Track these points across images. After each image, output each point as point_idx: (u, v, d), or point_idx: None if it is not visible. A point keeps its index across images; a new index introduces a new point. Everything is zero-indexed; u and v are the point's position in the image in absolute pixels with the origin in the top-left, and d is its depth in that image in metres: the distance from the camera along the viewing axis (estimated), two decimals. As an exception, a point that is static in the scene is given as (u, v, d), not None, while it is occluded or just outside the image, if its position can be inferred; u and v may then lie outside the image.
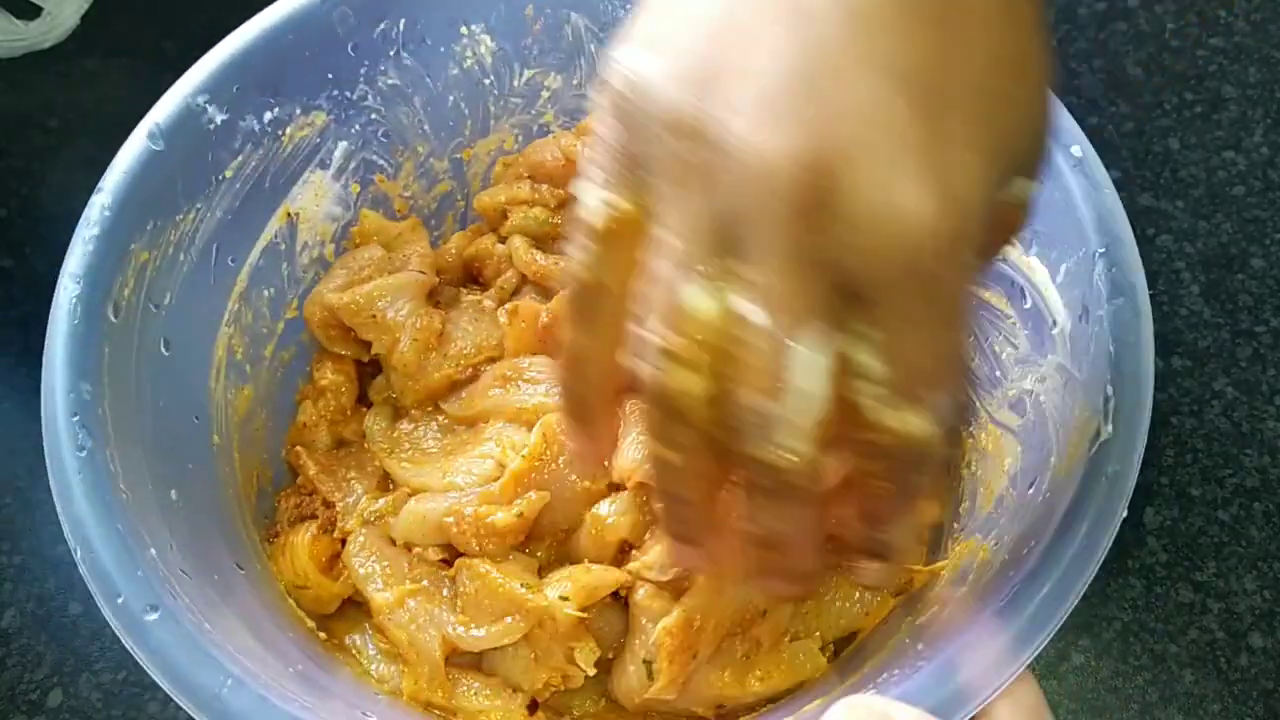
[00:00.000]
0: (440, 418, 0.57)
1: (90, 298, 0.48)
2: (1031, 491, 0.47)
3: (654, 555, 0.49)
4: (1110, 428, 0.43)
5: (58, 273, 0.49)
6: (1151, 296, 0.69)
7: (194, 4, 0.84)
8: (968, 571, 0.47)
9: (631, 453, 0.49)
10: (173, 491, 0.48)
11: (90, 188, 0.51)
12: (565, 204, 0.59)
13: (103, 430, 0.46)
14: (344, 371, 0.59)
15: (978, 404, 0.55)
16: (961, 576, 0.47)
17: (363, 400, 0.60)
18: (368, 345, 0.57)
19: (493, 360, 0.56)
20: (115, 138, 0.52)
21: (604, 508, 0.50)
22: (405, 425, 0.57)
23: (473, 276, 0.61)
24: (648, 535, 0.50)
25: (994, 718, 0.39)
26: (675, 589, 0.49)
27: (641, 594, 0.49)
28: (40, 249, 0.72)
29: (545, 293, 0.58)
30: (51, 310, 0.48)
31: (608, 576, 0.49)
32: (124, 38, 0.84)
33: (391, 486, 0.55)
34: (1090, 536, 0.41)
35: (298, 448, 0.57)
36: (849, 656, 0.51)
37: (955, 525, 0.53)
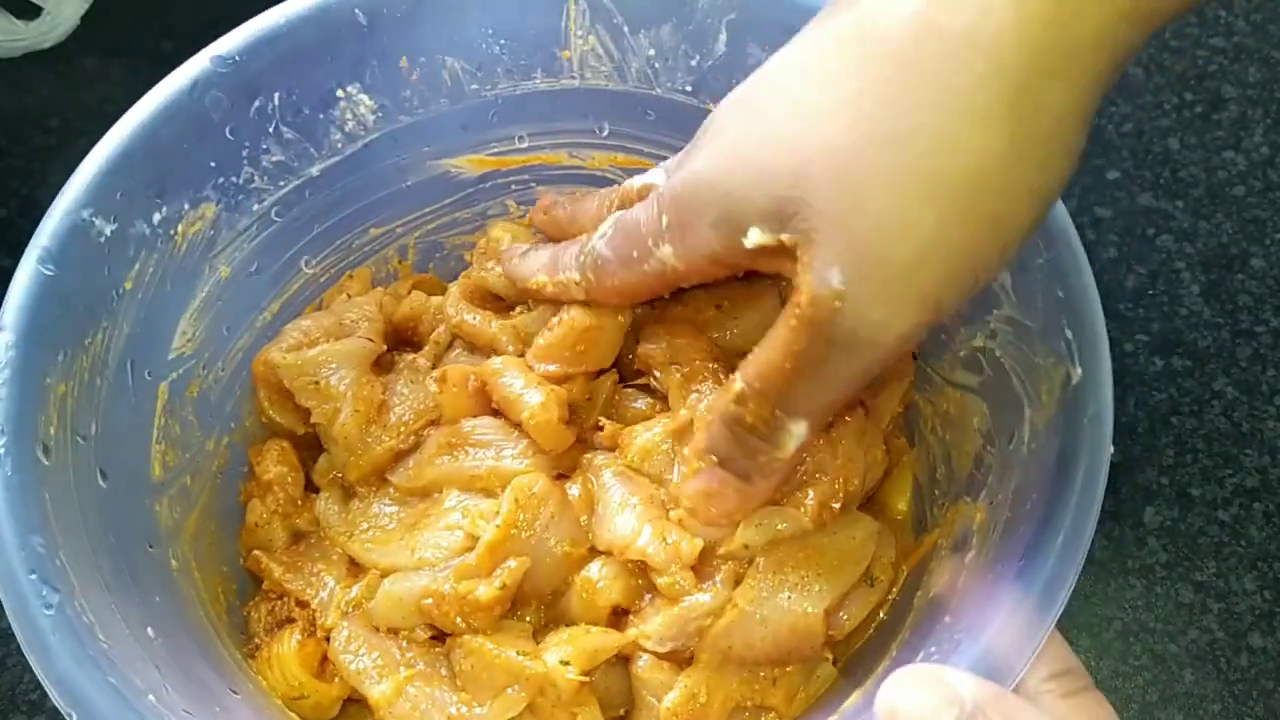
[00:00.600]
0: (391, 490, 0.54)
1: (18, 445, 0.45)
2: (1012, 446, 0.47)
3: (653, 625, 0.48)
4: (1080, 370, 0.44)
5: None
6: (1151, 296, 0.71)
7: (194, 4, 0.84)
8: (968, 535, 0.48)
9: (620, 526, 0.48)
10: (149, 629, 0.46)
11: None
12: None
13: (65, 581, 0.43)
14: (287, 461, 0.56)
15: (928, 369, 0.55)
16: (962, 541, 0.48)
17: (309, 488, 0.57)
18: (307, 413, 0.55)
19: (433, 424, 0.54)
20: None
21: (594, 570, 0.49)
22: (358, 504, 0.54)
23: (404, 339, 0.59)
24: (643, 601, 0.49)
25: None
26: (676, 660, 0.48)
27: (643, 664, 0.48)
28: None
29: (475, 351, 0.56)
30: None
31: (609, 640, 0.48)
32: (124, 38, 0.83)
33: (361, 571, 0.53)
34: (1088, 480, 0.42)
35: (255, 552, 0.54)
36: (858, 654, 0.52)
37: (936, 491, 0.53)
